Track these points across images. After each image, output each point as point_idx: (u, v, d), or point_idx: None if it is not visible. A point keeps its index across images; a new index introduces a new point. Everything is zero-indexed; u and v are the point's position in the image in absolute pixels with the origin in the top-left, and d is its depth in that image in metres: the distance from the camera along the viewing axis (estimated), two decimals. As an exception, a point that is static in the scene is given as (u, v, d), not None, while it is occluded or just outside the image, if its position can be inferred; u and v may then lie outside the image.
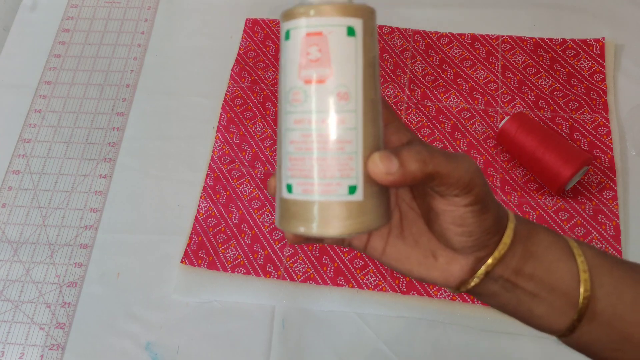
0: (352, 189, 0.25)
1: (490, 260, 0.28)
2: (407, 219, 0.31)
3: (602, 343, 0.28)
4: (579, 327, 0.28)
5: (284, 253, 0.64)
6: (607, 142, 0.68)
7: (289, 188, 0.25)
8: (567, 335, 0.29)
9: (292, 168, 0.25)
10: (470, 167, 0.26)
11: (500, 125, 0.66)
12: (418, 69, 0.75)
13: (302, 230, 0.25)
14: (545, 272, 0.28)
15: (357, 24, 0.24)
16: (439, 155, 0.25)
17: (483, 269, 0.28)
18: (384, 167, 0.24)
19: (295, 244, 0.28)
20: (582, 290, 0.28)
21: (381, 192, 0.26)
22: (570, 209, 0.64)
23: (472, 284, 0.28)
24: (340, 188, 0.25)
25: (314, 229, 0.25)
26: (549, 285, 0.28)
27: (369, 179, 0.25)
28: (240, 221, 0.66)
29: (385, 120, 0.29)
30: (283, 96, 0.25)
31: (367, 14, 0.25)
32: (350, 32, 0.24)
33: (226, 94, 0.75)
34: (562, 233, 0.62)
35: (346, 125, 0.24)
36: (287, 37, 0.25)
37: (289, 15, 0.25)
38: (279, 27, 0.80)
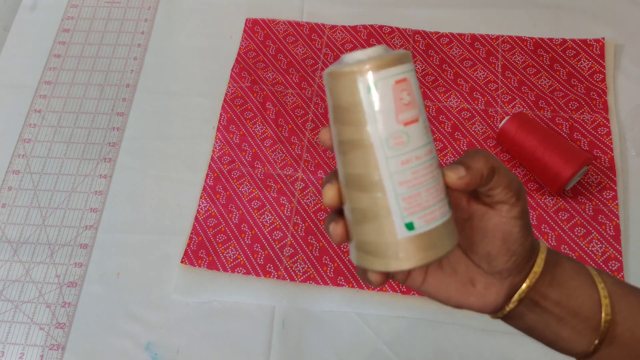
0: (449, 205, 0.28)
1: (524, 286, 0.30)
2: None
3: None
4: (600, 350, 0.30)
5: (284, 253, 0.64)
6: (607, 142, 0.68)
7: (411, 226, 0.27)
8: (589, 357, 0.31)
9: (409, 207, 0.27)
10: (517, 177, 0.29)
11: (500, 125, 0.66)
12: (418, 69, 0.75)
13: (439, 254, 0.27)
14: (570, 298, 0.31)
15: (414, 66, 0.27)
16: (494, 156, 0.29)
17: (517, 295, 0.30)
18: (455, 174, 0.28)
19: (381, 285, 0.30)
20: (603, 314, 0.30)
21: None
22: (570, 209, 0.64)
23: (508, 309, 0.31)
24: (446, 207, 0.28)
25: (445, 248, 0.27)
26: (573, 310, 0.31)
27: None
28: (240, 221, 0.66)
29: None
30: (380, 144, 0.26)
31: None
32: (414, 73, 0.27)
33: (226, 94, 0.75)
34: (562, 233, 0.62)
35: (434, 152, 0.28)
36: (372, 89, 0.26)
37: (369, 67, 0.26)
38: (279, 27, 0.80)
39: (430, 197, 0.27)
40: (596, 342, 0.30)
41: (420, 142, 0.27)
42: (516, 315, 0.31)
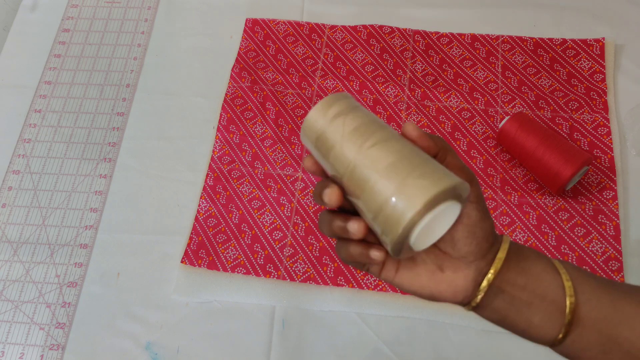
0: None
1: (491, 272, 0.32)
2: None
3: (593, 347, 0.32)
4: (571, 333, 0.32)
5: (284, 253, 0.64)
6: (607, 142, 0.68)
7: None
8: (561, 342, 0.32)
9: None
10: (466, 165, 0.32)
11: (500, 125, 0.66)
12: (418, 69, 0.75)
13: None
14: (535, 281, 0.32)
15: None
16: (445, 143, 0.32)
17: (485, 281, 0.32)
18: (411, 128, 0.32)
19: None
20: (567, 295, 0.31)
21: None
22: (570, 209, 0.64)
23: (479, 297, 0.32)
24: None
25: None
26: (540, 294, 0.32)
27: None
28: (240, 221, 0.66)
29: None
30: None
31: None
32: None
33: (226, 94, 0.75)
34: (562, 233, 0.62)
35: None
36: None
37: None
38: (279, 27, 0.80)
39: None
40: (565, 323, 0.31)
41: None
42: (487, 305, 0.33)
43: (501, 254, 0.32)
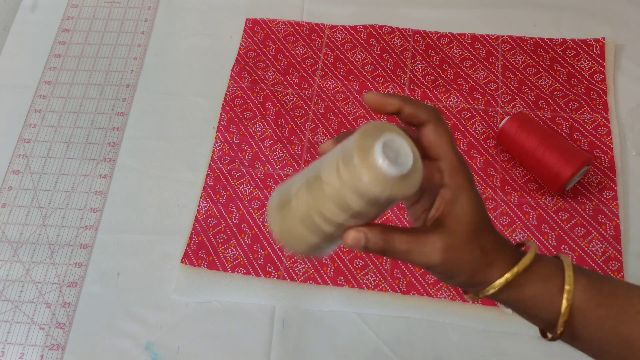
0: None
1: (481, 295, 0.32)
2: None
3: (586, 351, 0.32)
4: (561, 340, 0.32)
5: (284, 253, 0.64)
6: (607, 142, 0.68)
7: None
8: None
9: None
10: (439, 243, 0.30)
11: (500, 125, 0.66)
12: (418, 69, 0.75)
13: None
14: (531, 304, 0.31)
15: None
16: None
17: (469, 297, 0.33)
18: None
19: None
20: (559, 323, 0.30)
21: None
22: (570, 209, 0.64)
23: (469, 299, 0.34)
24: None
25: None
26: (533, 314, 0.32)
27: None
28: (240, 221, 0.66)
29: None
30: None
31: None
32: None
33: (226, 94, 0.75)
34: (562, 233, 0.62)
35: None
36: None
37: None
38: (279, 27, 0.80)
39: None
40: (552, 337, 0.32)
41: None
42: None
43: (496, 285, 0.30)
